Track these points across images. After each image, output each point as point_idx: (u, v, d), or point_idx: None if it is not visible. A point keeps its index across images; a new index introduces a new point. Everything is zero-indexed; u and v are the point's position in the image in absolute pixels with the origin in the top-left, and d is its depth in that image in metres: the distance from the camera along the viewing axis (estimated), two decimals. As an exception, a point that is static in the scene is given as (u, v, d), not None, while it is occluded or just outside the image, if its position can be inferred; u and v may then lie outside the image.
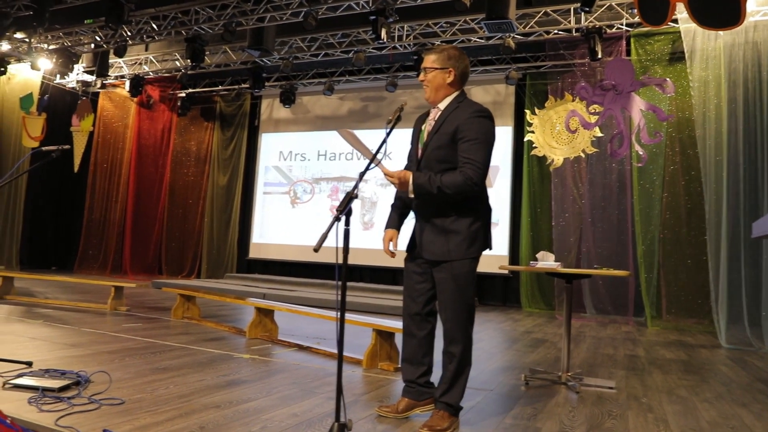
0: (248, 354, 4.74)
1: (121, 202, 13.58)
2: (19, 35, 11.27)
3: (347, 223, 2.31)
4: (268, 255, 13.08)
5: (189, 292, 6.85)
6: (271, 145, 13.51)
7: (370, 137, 11.91)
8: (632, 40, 9.36)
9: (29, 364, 3.63)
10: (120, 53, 10.81)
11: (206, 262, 13.38)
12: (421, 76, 3.05)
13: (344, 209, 2.29)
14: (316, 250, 2.15)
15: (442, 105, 2.99)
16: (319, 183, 12.79)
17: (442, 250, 2.87)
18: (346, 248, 2.32)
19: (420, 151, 3.00)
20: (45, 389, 3.04)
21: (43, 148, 4.01)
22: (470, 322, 2.94)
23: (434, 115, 3.02)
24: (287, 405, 3.23)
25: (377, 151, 2.64)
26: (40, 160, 4.10)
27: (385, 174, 2.91)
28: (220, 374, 3.88)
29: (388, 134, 2.74)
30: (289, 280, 11.63)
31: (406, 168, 3.13)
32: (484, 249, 2.96)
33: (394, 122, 2.79)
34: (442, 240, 2.88)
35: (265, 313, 5.74)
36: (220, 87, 13.31)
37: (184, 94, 13.31)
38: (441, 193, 2.79)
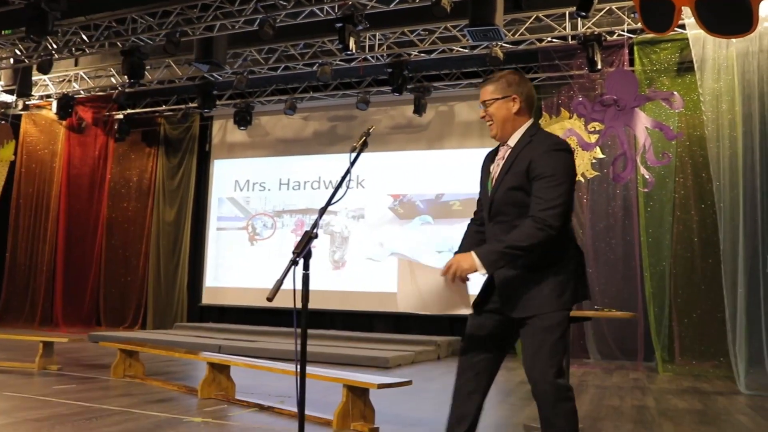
0: (200, 417, 4.81)
1: (50, 243, 13.53)
2: None
3: (306, 267, 2.44)
4: (224, 300, 13.11)
5: (131, 346, 6.89)
6: (225, 174, 13.64)
7: (340, 162, 12.11)
8: (636, 48, 9.68)
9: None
10: (44, 69, 10.92)
11: (152, 311, 13.37)
12: (482, 113, 3.06)
13: (302, 251, 2.43)
14: (269, 299, 2.26)
15: (512, 141, 2.98)
16: (282, 216, 12.92)
17: (527, 304, 2.87)
18: (305, 296, 2.45)
19: (490, 196, 3.00)
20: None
21: None
22: (565, 389, 2.86)
23: (504, 153, 3.01)
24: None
25: (340, 183, 2.74)
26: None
27: (444, 273, 2.85)
28: (167, 441, 3.95)
29: (352, 163, 2.85)
30: (248, 329, 11.66)
31: (477, 212, 3.16)
32: (578, 300, 2.93)
33: (360, 149, 2.90)
34: (525, 292, 2.88)
35: (220, 369, 5.82)
36: (164, 107, 13.45)
37: (121, 116, 13.39)
38: (515, 249, 2.78)
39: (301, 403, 2.44)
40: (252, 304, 12.57)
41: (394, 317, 11.71)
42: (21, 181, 13.83)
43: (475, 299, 3.03)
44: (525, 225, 2.79)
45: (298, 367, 2.32)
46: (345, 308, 11.76)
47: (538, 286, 2.85)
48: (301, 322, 2.36)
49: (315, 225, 2.52)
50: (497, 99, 2.97)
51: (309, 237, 2.48)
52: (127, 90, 12.38)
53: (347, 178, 2.77)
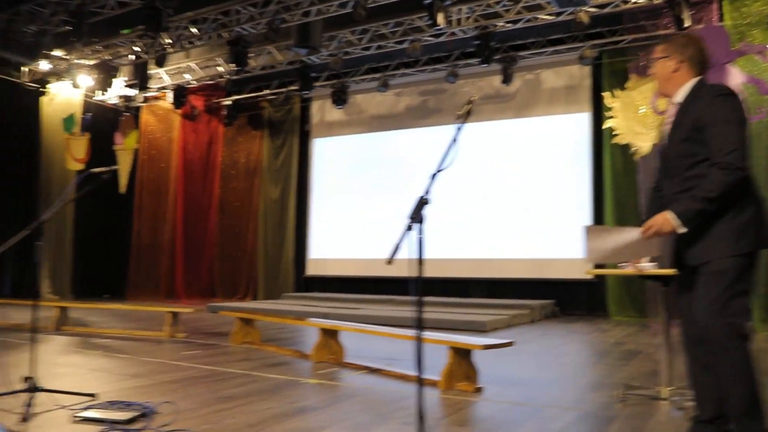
0: (315, 379, 4.89)
1: (170, 222, 14.13)
2: (57, 52, 11.94)
3: (420, 232, 2.38)
4: (326, 271, 13.33)
5: (248, 315, 7.08)
6: (325, 151, 13.78)
7: (432, 135, 12.00)
8: (724, 3, 9.08)
9: (93, 396, 3.87)
10: (161, 62, 11.31)
11: (262, 282, 13.75)
12: (651, 69, 3.16)
13: (417, 216, 2.37)
14: (389, 262, 2.24)
15: (679, 97, 3.00)
16: (379, 189, 12.95)
17: (702, 250, 2.80)
18: (421, 259, 2.40)
19: (665, 153, 3.03)
20: (114, 422, 3.25)
21: (93, 170, 4.20)
22: (733, 336, 2.70)
23: (671, 111, 3.05)
24: None
25: (449, 149, 2.65)
26: (90, 183, 4.23)
27: (644, 233, 2.89)
28: (287, 401, 4.03)
29: (459, 131, 2.75)
30: (351, 297, 11.82)
31: (661, 170, 3.11)
32: (760, 246, 2.80)
33: (466, 117, 2.81)
34: (699, 239, 2.81)
35: (330, 335, 5.89)
36: (266, 91, 13.70)
37: (229, 102, 13.76)
38: (711, 201, 2.72)
39: (419, 364, 2.41)
40: (353, 274, 12.72)
41: (488, 283, 11.59)
42: (143, 167, 14.46)
43: (670, 262, 3.06)
44: (712, 174, 2.73)
45: (417, 329, 2.28)
46: (444, 275, 11.71)
47: (711, 233, 2.78)
48: (418, 288, 2.32)
49: (427, 190, 2.47)
50: (659, 59, 3.07)
51: (423, 203, 2.41)
52: (233, 77, 12.65)
53: (454, 144, 2.68)
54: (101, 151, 13.27)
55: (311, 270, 13.61)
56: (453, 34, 10.61)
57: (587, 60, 10.56)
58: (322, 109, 13.88)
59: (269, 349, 6.51)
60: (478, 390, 4.48)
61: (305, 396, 4.25)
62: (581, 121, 11.10)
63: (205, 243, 14.12)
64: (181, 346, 6.67)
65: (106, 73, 11.76)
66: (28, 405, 3.48)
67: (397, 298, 11.11)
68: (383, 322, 8.85)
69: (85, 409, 3.51)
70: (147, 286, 14.21)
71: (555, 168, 11.21)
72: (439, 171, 2.55)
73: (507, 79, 11.23)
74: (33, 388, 3.66)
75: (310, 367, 5.44)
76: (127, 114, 13.70)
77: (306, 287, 13.52)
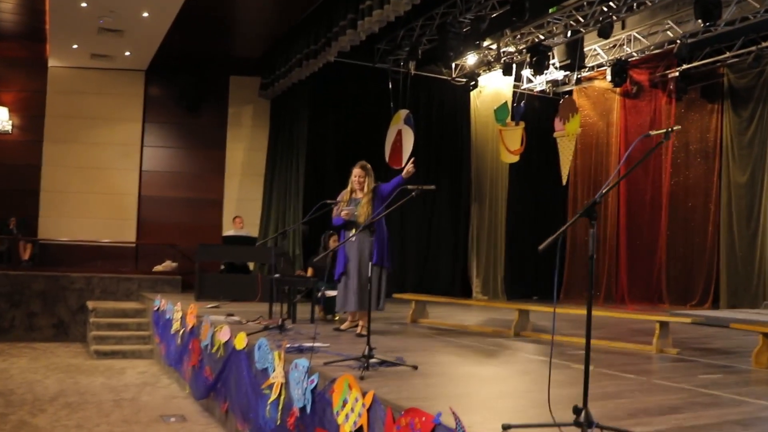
0: None
1: (611, 217, 12.60)
2: (486, 42, 11.40)
3: None
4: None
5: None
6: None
7: None
8: None
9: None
10: (606, 32, 9.87)
11: (725, 286, 11.35)
12: None
13: None
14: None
15: None
16: None
17: None
18: None
19: None
20: None
21: (408, 186, 4.85)
22: None
23: None
24: None
25: None
26: (403, 198, 4.77)
27: None
28: None
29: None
30: None
31: None
32: None
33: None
34: None
35: None
36: (727, 54, 11.26)
37: (677, 73, 11.69)
38: None
39: None
40: None
41: None
42: (577, 155, 13.07)
43: None
44: None
45: None
46: None
47: None
48: None
49: None
50: None
51: None
52: (689, 41, 10.50)
53: None
54: (538, 139, 12.41)
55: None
56: None
57: None
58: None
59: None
60: None
61: None
62: None
63: (652, 239, 12.25)
64: (686, 366, 5.06)
65: (541, 55, 10.73)
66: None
67: None
68: None
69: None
70: (581, 288, 12.86)
71: None
72: None
73: None
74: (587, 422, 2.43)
75: None
76: (568, 97, 12.44)
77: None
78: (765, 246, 10.91)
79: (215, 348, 5.95)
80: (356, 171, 6.20)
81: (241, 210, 11.78)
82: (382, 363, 4.28)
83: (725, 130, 11.64)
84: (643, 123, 12.34)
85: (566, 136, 11.12)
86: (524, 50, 11.35)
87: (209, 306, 8.25)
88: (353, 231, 5.91)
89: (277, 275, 7.28)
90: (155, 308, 8.84)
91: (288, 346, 4.73)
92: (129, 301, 10.53)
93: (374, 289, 5.80)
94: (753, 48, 10.84)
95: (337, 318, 7.42)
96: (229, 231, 11.22)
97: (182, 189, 12.18)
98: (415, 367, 4.29)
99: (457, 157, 13.10)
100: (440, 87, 12.93)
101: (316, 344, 4.77)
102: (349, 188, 6.25)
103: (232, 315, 7.05)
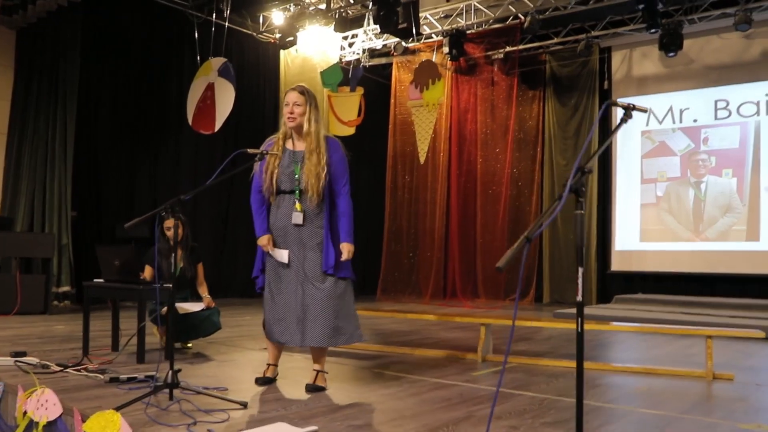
0: None
1: (440, 208, 11.52)
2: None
3: None
4: (639, 267, 10.52)
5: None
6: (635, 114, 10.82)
7: None
8: None
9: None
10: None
11: (547, 281, 11.17)
12: None
13: None
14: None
15: None
16: (711, 157, 10.02)
17: None
18: None
19: None
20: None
21: (248, 150, 3.57)
22: None
23: None
24: None
25: None
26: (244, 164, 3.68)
27: None
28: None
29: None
30: (692, 300, 9.02)
31: None
32: None
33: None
34: None
35: None
36: (555, 39, 10.94)
37: (501, 55, 11.00)
38: None
39: None
40: (678, 270, 9.96)
41: None
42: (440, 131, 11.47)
43: None
44: None
45: None
46: None
47: None
48: None
49: None
50: None
51: None
52: (539, 17, 9.77)
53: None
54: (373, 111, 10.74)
55: (617, 265, 10.77)
56: None
57: None
58: (627, 61, 10.94)
59: None
60: None
61: None
62: None
63: (465, 232, 11.42)
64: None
65: (388, 8, 9.12)
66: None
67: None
68: None
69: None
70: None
71: None
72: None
73: None
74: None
75: None
76: (427, 59, 10.83)
77: (607, 288, 10.71)
78: (590, 241, 10.74)
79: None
80: (291, 97, 3.64)
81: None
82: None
83: (548, 118, 11.30)
84: (472, 103, 11.31)
85: (425, 105, 9.75)
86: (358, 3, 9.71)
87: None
88: (297, 207, 3.58)
89: (101, 279, 4.69)
90: None
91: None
92: None
93: (346, 308, 3.63)
94: (582, 36, 10.58)
95: (190, 346, 5.04)
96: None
97: None
98: None
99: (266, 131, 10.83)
100: (253, 43, 10.75)
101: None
102: (281, 132, 3.74)
103: (22, 354, 4.24)
